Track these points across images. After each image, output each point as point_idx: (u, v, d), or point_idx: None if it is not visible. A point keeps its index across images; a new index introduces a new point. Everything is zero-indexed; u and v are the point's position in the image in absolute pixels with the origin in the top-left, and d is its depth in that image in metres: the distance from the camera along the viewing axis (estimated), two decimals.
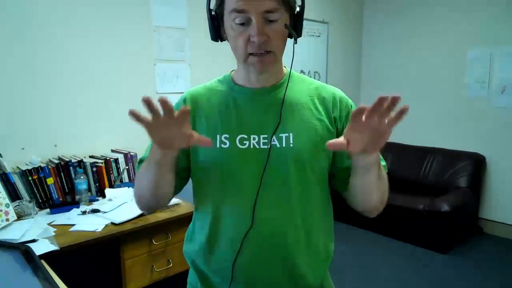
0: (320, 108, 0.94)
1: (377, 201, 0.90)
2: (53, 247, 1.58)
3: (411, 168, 3.91)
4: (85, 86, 2.41)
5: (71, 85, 2.35)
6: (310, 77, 1.18)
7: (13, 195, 1.98)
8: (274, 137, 0.90)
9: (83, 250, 1.73)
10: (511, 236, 3.59)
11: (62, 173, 2.18)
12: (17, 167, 2.10)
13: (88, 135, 2.44)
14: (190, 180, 1.01)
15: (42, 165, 2.12)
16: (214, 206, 0.93)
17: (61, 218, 1.92)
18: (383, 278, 2.92)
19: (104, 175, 2.30)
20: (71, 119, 2.37)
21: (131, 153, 2.44)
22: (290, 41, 0.92)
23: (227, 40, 0.91)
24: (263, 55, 0.85)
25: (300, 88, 0.97)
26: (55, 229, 1.77)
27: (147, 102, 0.70)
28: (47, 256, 1.49)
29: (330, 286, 1.05)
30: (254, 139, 0.90)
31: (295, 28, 0.90)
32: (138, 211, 1.92)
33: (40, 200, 2.08)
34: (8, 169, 2.00)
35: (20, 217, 1.88)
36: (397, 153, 4.00)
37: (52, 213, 1.98)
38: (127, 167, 2.42)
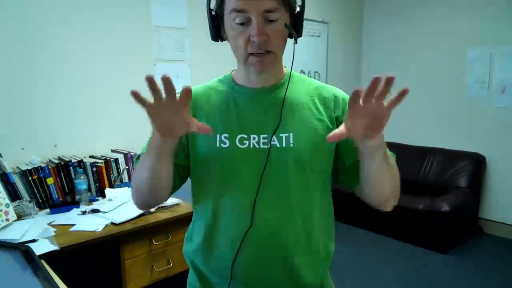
0: (321, 108, 0.94)
1: (389, 190, 0.89)
2: (53, 247, 1.58)
3: (411, 168, 3.91)
4: (85, 86, 2.41)
5: (71, 85, 2.35)
6: (310, 77, 1.18)
7: (13, 195, 1.98)
8: (274, 137, 0.90)
9: (83, 250, 1.73)
10: (511, 236, 3.59)
11: (62, 173, 2.18)
12: (17, 167, 2.10)
13: (88, 135, 2.44)
14: (190, 180, 1.00)
15: (42, 165, 2.12)
16: (213, 206, 0.93)
17: (61, 218, 1.92)
18: (383, 278, 2.92)
19: (104, 175, 2.30)
20: (71, 119, 2.37)
21: (131, 153, 2.44)
22: (290, 41, 0.92)
23: (227, 40, 0.91)
24: (263, 55, 0.85)
25: (300, 88, 0.97)
26: (55, 229, 1.77)
27: (150, 81, 0.69)
28: (47, 256, 1.49)
29: (330, 286, 1.04)
30: (254, 138, 0.90)
31: (295, 28, 0.90)
32: (138, 211, 1.92)
33: (40, 200, 2.08)
34: (8, 169, 2.00)
35: (20, 217, 1.88)
36: (397, 153, 3.95)
37: (52, 213, 1.98)
38: (127, 167, 2.42)
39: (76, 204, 2.08)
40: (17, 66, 2.16)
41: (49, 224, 1.84)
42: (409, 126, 4.14)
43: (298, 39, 0.92)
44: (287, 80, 0.95)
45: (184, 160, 0.95)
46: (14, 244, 1.26)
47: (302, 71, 3.82)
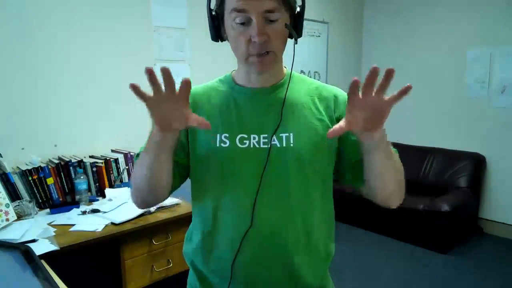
0: (321, 108, 0.94)
1: (394, 184, 0.88)
2: (53, 247, 1.58)
3: (411, 168, 3.91)
4: (85, 86, 2.41)
5: (71, 85, 2.35)
6: (310, 77, 1.18)
7: (13, 195, 1.98)
8: (274, 137, 0.90)
9: (83, 250, 1.73)
10: (511, 236, 3.59)
11: (62, 173, 2.18)
12: (17, 167, 2.10)
13: (88, 135, 2.45)
14: (190, 180, 1.00)
15: (42, 165, 2.12)
16: (213, 206, 0.93)
17: (61, 218, 1.92)
18: (383, 278, 2.92)
19: (104, 175, 2.30)
20: (71, 119, 2.37)
21: (131, 153, 2.44)
22: (290, 41, 0.92)
23: (227, 40, 0.91)
24: (264, 55, 0.85)
25: (300, 88, 0.97)
26: (55, 229, 1.77)
27: (150, 73, 0.69)
28: (47, 256, 1.49)
29: (330, 286, 1.04)
30: (254, 138, 0.90)
31: (295, 28, 0.90)
32: (138, 211, 1.92)
33: (40, 200, 2.08)
34: (8, 169, 2.00)
35: (20, 217, 1.88)
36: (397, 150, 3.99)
37: (52, 213, 1.98)
38: (127, 167, 2.42)
39: (76, 204, 2.08)
40: (17, 66, 2.16)
41: (49, 224, 1.84)
42: (409, 126, 4.14)
43: (298, 39, 0.92)
44: (287, 80, 0.95)
45: (184, 159, 0.95)
46: (14, 244, 1.26)
47: (302, 71, 3.82)
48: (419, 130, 4.11)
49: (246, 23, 0.83)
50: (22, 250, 1.17)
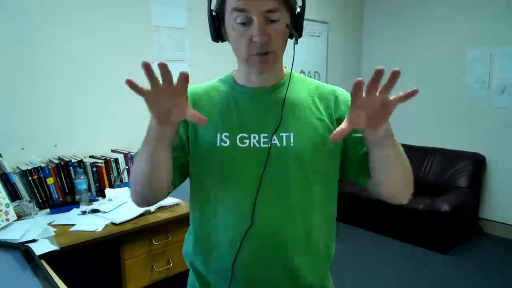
0: (321, 108, 0.94)
1: (401, 178, 0.88)
2: (53, 247, 1.58)
3: (411, 168, 3.91)
4: (85, 86, 2.41)
5: (71, 85, 2.35)
6: (310, 77, 1.18)
7: (13, 195, 1.98)
8: (274, 136, 0.90)
9: (83, 250, 1.73)
10: (511, 236, 3.59)
11: (62, 173, 2.18)
12: (17, 167, 2.10)
13: (88, 135, 2.44)
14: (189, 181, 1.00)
15: (42, 165, 2.12)
16: (213, 206, 0.93)
17: (61, 218, 1.92)
18: (383, 278, 2.92)
19: (104, 175, 2.30)
20: (71, 119, 2.37)
21: (131, 153, 2.44)
22: (290, 42, 0.92)
23: (228, 41, 0.91)
24: (264, 55, 0.85)
25: (301, 88, 0.97)
26: (55, 229, 1.77)
27: (147, 66, 0.70)
28: (47, 256, 1.49)
29: (330, 286, 1.04)
30: (254, 138, 0.90)
31: (295, 28, 0.90)
32: (138, 211, 1.92)
33: (40, 200, 2.08)
34: (8, 169, 2.00)
35: (20, 217, 1.88)
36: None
37: (52, 213, 1.98)
38: (127, 167, 2.42)
39: (76, 204, 2.08)
40: (17, 66, 2.16)
41: (49, 224, 1.84)
42: (409, 126, 4.14)
43: (298, 40, 0.92)
44: (287, 80, 0.96)
45: (183, 157, 0.95)
46: (14, 244, 1.26)
47: (302, 71, 3.82)
48: (419, 130, 4.11)
49: (246, 23, 0.83)
50: (22, 250, 1.17)
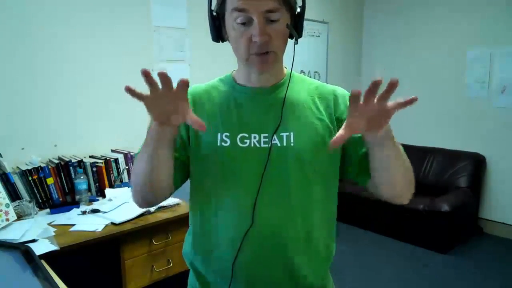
0: (321, 108, 0.94)
1: (402, 178, 0.88)
2: (53, 247, 1.58)
3: None
4: (85, 86, 2.41)
5: (71, 85, 2.35)
6: (310, 77, 1.18)
7: (13, 195, 1.98)
8: (274, 136, 0.90)
9: (83, 250, 1.73)
10: (511, 236, 3.59)
11: (62, 173, 2.18)
12: (17, 167, 2.10)
13: (88, 135, 2.44)
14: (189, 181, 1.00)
15: (42, 165, 2.12)
16: (213, 205, 0.93)
17: (61, 218, 1.92)
18: (383, 278, 2.92)
19: (104, 175, 2.30)
20: (71, 119, 2.37)
21: (131, 153, 2.44)
22: (290, 42, 0.92)
23: (228, 41, 0.91)
24: (265, 55, 0.85)
25: (301, 88, 0.97)
26: (55, 229, 1.78)
27: (146, 74, 0.70)
28: (47, 256, 1.49)
29: (331, 286, 1.04)
30: (254, 138, 0.91)
31: (295, 28, 0.90)
32: (138, 211, 1.92)
33: (40, 200, 2.08)
34: (8, 169, 2.00)
35: (20, 217, 1.88)
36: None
37: (52, 213, 1.98)
38: (127, 167, 2.42)
39: (76, 204, 2.08)
40: (17, 66, 2.16)
41: (49, 224, 1.84)
42: (409, 126, 4.14)
43: (298, 40, 0.92)
44: (287, 80, 0.96)
45: (184, 157, 0.95)
46: (14, 244, 1.26)
47: (302, 71, 3.82)
48: (419, 130, 4.11)
49: (247, 23, 0.83)
50: (22, 250, 1.16)
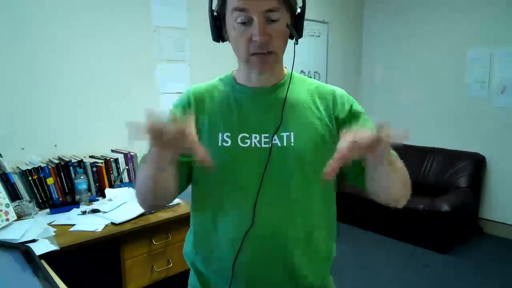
0: (321, 108, 0.94)
1: (399, 192, 0.88)
2: (53, 247, 1.58)
3: (411, 168, 3.81)
4: (85, 86, 2.41)
5: (71, 85, 2.35)
6: (310, 77, 1.18)
7: (13, 195, 1.98)
8: (275, 136, 0.90)
9: (83, 250, 1.73)
10: (511, 236, 3.59)
11: (62, 173, 2.18)
12: (17, 167, 2.10)
13: (88, 135, 2.44)
14: None
15: (42, 165, 2.12)
16: (214, 205, 0.93)
17: (61, 218, 1.92)
18: (383, 278, 2.92)
19: (104, 175, 2.30)
20: (71, 119, 2.37)
21: (131, 153, 2.44)
22: (290, 42, 0.92)
23: (229, 41, 0.91)
24: (265, 55, 0.85)
25: (301, 88, 0.97)
26: (55, 229, 1.77)
27: (149, 129, 0.67)
28: (47, 256, 1.49)
29: (331, 287, 1.04)
30: (255, 138, 0.91)
31: (296, 28, 0.90)
32: (138, 211, 1.92)
33: (40, 200, 2.08)
34: (8, 169, 2.00)
35: (20, 217, 1.88)
36: (397, 153, 3.99)
37: (52, 213, 1.98)
38: (127, 167, 2.41)
39: (76, 204, 2.08)
40: (17, 66, 2.16)
41: (49, 224, 1.84)
42: (409, 126, 4.12)
43: (298, 40, 0.92)
44: (287, 80, 0.96)
45: (190, 158, 0.94)
46: (14, 244, 1.26)
47: (302, 71, 3.82)
48: (419, 130, 4.11)
49: (247, 22, 0.83)
50: (22, 250, 1.16)
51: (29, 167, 2.07)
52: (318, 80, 1.07)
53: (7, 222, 1.76)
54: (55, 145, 2.31)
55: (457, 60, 3.78)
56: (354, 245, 3.43)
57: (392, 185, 0.87)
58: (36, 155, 2.17)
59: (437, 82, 3.95)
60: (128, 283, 1.87)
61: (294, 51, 0.98)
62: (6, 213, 1.78)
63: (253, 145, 0.90)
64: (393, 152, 0.86)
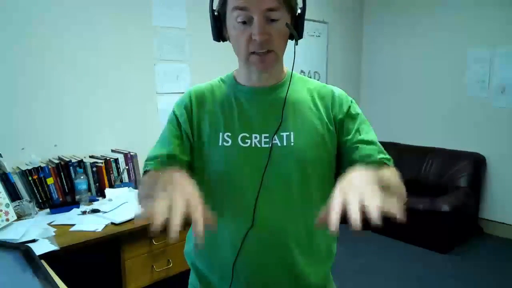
0: (320, 108, 0.94)
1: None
2: (53, 247, 1.58)
3: (411, 168, 3.91)
4: (85, 86, 2.41)
5: (71, 85, 2.35)
6: (310, 77, 1.18)
7: (13, 195, 1.98)
8: (275, 136, 0.90)
9: (83, 250, 1.73)
10: (511, 236, 3.59)
11: (62, 173, 2.18)
12: (17, 167, 2.10)
13: (88, 135, 2.44)
14: None
15: (42, 165, 2.12)
16: (214, 205, 0.93)
17: (61, 218, 1.92)
18: (383, 278, 2.92)
19: (104, 175, 2.30)
20: (71, 119, 2.37)
21: (131, 153, 2.44)
22: (290, 43, 0.92)
23: (229, 41, 0.91)
24: (265, 54, 0.85)
25: (301, 88, 0.97)
26: (55, 229, 1.77)
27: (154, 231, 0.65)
28: (47, 256, 1.49)
29: (331, 286, 1.04)
30: (255, 137, 0.91)
31: (296, 28, 0.90)
32: None
33: (40, 200, 2.08)
34: (8, 169, 2.00)
35: (20, 217, 1.88)
36: (397, 153, 3.99)
37: (52, 213, 1.98)
38: (127, 167, 2.41)
39: (76, 204, 2.08)
40: (17, 66, 2.15)
41: (49, 224, 1.84)
42: (409, 126, 4.14)
43: (299, 40, 0.92)
44: (287, 80, 0.96)
45: (187, 156, 0.94)
46: (14, 244, 1.26)
47: (302, 71, 3.82)
48: (419, 130, 4.11)
49: (247, 22, 0.83)
50: (22, 250, 1.16)
51: (29, 167, 2.07)
52: (318, 80, 1.07)
53: (7, 222, 1.76)
54: (55, 145, 2.31)
55: (457, 60, 3.78)
56: (353, 245, 3.43)
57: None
58: (36, 155, 2.17)
59: (437, 82, 3.95)
60: (128, 283, 1.87)
61: (294, 51, 0.98)
62: (6, 213, 1.78)
63: (253, 145, 0.90)
64: (387, 157, 0.86)
